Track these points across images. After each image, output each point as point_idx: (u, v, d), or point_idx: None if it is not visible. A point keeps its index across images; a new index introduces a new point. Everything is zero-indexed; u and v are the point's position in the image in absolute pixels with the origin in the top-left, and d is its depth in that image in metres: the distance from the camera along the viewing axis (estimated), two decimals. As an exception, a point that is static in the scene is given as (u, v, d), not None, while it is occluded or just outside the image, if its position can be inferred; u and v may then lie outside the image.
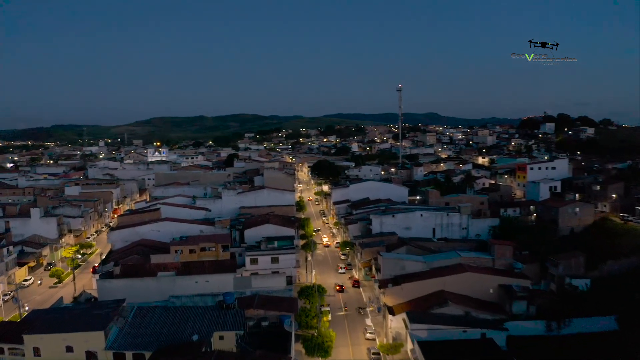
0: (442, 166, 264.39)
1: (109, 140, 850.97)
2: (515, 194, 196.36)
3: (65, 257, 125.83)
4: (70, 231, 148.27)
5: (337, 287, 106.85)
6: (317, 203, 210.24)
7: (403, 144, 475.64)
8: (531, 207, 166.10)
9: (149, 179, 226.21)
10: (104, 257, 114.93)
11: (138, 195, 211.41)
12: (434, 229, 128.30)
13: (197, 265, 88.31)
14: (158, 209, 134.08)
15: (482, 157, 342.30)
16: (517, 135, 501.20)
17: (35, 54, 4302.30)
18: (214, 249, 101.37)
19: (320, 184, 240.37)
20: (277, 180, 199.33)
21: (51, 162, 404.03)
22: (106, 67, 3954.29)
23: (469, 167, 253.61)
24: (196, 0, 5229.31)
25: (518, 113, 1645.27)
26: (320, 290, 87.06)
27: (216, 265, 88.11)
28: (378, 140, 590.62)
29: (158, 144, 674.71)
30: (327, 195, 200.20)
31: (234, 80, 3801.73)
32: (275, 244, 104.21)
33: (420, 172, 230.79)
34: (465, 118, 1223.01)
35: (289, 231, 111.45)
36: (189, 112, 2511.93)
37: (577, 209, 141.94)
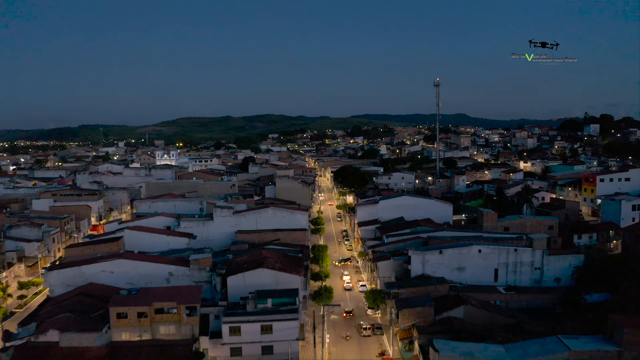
0: (487, 174, 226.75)
1: (133, 141, 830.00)
2: (580, 211, 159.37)
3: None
4: (21, 260, 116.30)
5: (345, 315, 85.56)
6: (339, 219, 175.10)
7: (436, 146, 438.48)
8: (610, 232, 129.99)
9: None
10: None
11: (129, 208, 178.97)
12: (496, 270, 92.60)
13: (132, 354, 54.38)
14: (120, 237, 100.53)
15: (524, 162, 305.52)
16: (559, 138, 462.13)
17: (67, 54, 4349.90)
18: (175, 310, 67.43)
19: (344, 194, 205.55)
20: (291, 191, 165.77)
21: (60, 164, 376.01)
22: (135, 67, 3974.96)
23: (519, 175, 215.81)
24: (223, 0, 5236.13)
25: (549, 114, 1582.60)
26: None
27: (162, 355, 54.00)
28: (408, 142, 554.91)
29: (181, 144, 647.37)
30: (351, 209, 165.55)
31: (261, 80, 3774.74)
32: (269, 302, 69.60)
33: (462, 182, 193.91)
34: (494, 119, 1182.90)
35: (292, 280, 76.48)
36: (216, 112, 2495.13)
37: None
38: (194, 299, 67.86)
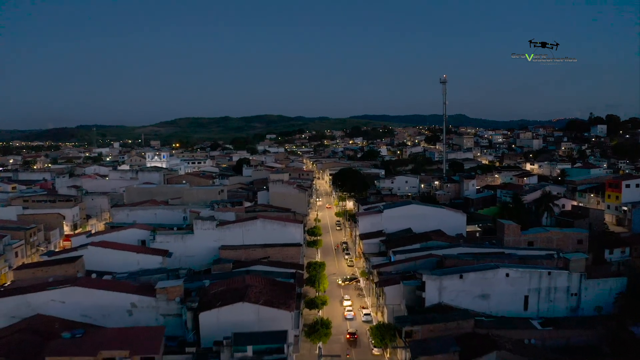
0: (498, 178, 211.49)
1: (129, 141, 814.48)
2: (604, 221, 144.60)
3: None
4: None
5: (348, 337, 76.66)
6: (338, 228, 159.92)
7: (438, 147, 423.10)
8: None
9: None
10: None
11: (108, 216, 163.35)
12: (526, 297, 77.65)
13: None
14: (80, 256, 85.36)
15: (531, 164, 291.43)
16: (565, 139, 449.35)
17: (66, 54, 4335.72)
18: (128, 361, 52.49)
19: (343, 199, 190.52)
20: (286, 197, 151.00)
21: (49, 165, 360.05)
22: (134, 67, 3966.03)
23: (533, 179, 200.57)
24: (223, 1, 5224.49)
25: (549, 115, 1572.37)
26: None
27: None
28: (409, 143, 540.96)
29: (178, 145, 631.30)
30: (351, 216, 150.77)
31: (260, 81, 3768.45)
32: (249, 350, 54.53)
33: (472, 187, 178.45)
34: (494, 120, 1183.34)
35: (280, 316, 61.25)
36: (214, 112, 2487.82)
37: None
38: (152, 348, 52.76)
